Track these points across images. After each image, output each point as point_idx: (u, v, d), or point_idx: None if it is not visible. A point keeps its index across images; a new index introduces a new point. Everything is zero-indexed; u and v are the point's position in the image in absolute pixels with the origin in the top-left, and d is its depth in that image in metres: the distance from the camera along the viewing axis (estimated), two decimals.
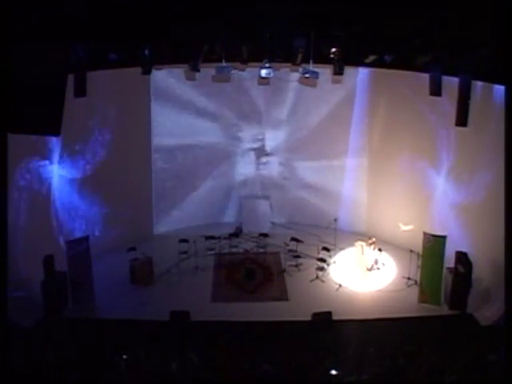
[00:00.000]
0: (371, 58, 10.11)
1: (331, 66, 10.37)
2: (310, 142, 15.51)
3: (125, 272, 12.57)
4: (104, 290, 11.86)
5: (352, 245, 13.39)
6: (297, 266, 13.27)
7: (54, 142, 11.92)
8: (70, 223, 12.92)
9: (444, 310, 11.26)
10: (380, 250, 13.05)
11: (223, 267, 13.52)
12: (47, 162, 12.06)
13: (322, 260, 12.95)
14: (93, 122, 13.21)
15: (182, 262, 13.24)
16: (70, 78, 10.13)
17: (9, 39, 6.68)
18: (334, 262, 13.42)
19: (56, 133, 8.31)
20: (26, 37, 7.10)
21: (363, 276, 12.76)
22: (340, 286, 12.43)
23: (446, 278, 11.31)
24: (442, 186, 13.01)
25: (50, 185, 12.24)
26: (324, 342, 9.53)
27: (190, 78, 13.86)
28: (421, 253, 11.68)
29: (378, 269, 13.05)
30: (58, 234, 12.11)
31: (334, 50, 9.78)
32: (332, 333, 10.12)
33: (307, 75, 10.61)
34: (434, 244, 11.36)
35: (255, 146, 15.94)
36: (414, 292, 11.79)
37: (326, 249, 13.23)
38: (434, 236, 11.43)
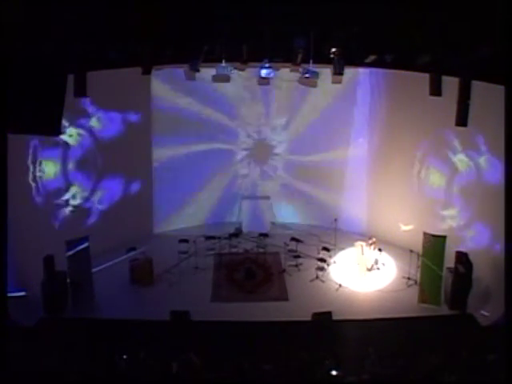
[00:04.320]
0: (371, 58, 10.09)
1: (331, 66, 10.36)
2: (311, 143, 15.54)
3: (125, 272, 12.58)
4: (104, 290, 11.87)
5: (352, 245, 13.40)
6: (297, 265, 13.28)
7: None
8: (70, 223, 12.95)
9: (444, 310, 11.25)
10: (380, 250, 13.05)
11: (223, 267, 13.52)
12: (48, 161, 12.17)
13: (322, 260, 12.95)
14: (93, 121, 13.26)
15: (182, 262, 13.25)
16: (70, 78, 10.15)
17: (8, 39, 6.68)
18: (334, 262, 13.43)
19: (56, 133, 8.29)
20: (26, 36, 7.10)
21: (363, 276, 12.77)
22: (340, 285, 12.43)
23: (446, 278, 11.32)
24: (442, 185, 13.04)
25: (50, 184, 12.29)
26: (324, 342, 9.53)
27: (190, 78, 13.86)
28: (421, 253, 11.68)
29: (378, 269, 13.06)
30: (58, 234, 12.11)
31: (333, 50, 9.77)
32: (332, 333, 10.12)
33: (307, 75, 10.61)
34: (434, 244, 11.35)
35: (256, 145, 15.97)
36: (414, 292, 11.78)
37: (325, 249, 13.24)
38: (434, 236, 11.44)
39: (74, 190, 13.09)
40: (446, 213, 12.93)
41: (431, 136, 13.02)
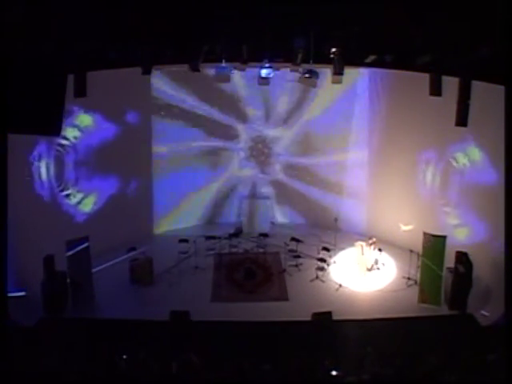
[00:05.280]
0: (371, 58, 10.08)
1: (331, 66, 10.36)
2: (311, 143, 15.55)
3: (125, 272, 12.58)
4: (104, 290, 11.87)
5: (352, 245, 13.40)
6: (297, 265, 13.28)
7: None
8: (70, 223, 12.95)
9: (444, 310, 11.25)
10: (380, 250, 13.05)
11: (223, 267, 13.52)
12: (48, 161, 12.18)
13: (322, 260, 12.95)
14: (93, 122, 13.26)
15: (181, 262, 13.24)
16: (70, 78, 10.15)
17: (9, 39, 6.68)
18: (334, 262, 13.43)
19: (56, 133, 8.29)
20: (26, 37, 7.10)
21: (363, 276, 12.77)
22: (340, 285, 12.43)
23: (446, 278, 11.32)
24: (442, 185, 13.05)
25: (50, 183, 12.30)
26: (324, 342, 9.53)
27: (190, 78, 13.86)
28: (421, 253, 11.68)
29: (378, 269, 13.06)
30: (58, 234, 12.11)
31: (333, 50, 9.77)
32: (332, 333, 10.12)
33: (307, 75, 10.62)
34: (434, 244, 11.35)
35: (255, 146, 15.98)
36: (414, 292, 11.78)
37: (325, 249, 13.24)
38: (434, 236, 11.44)
39: (73, 190, 13.09)
40: (446, 213, 12.92)
41: (431, 136, 13.01)
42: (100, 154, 13.42)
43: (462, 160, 12.39)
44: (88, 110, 12.85)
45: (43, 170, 12.10)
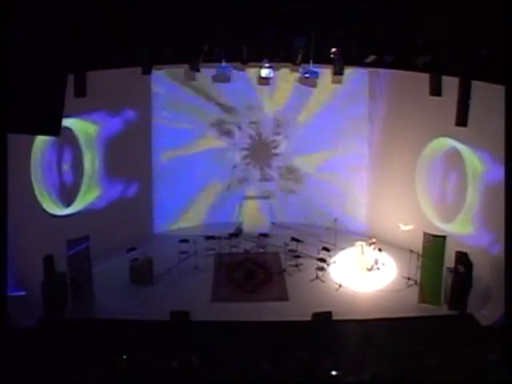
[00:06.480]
0: (371, 58, 10.09)
1: (331, 66, 10.36)
2: (311, 142, 15.54)
3: (125, 272, 12.58)
4: (104, 290, 11.86)
5: (352, 245, 13.40)
6: (297, 265, 13.28)
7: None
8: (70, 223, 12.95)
9: (444, 310, 11.25)
10: (380, 249, 13.05)
11: (223, 267, 13.52)
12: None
13: (322, 260, 12.95)
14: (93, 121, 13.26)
15: (181, 262, 13.25)
16: (70, 78, 10.14)
17: (9, 39, 6.68)
18: (334, 262, 13.42)
19: (56, 133, 8.28)
20: (26, 36, 7.10)
21: (363, 276, 12.77)
22: (340, 285, 12.43)
23: (446, 278, 11.32)
24: (442, 185, 13.05)
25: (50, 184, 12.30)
26: (324, 342, 9.53)
27: (189, 78, 13.86)
28: (421, 253, 11.68)
29: (378, 269, 13.05)
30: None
31: (333, 49, 9.77)
32: (332, 333, 10.12)
33: (307, 75, 10.63)
34: (434, 244, 11.36)
35: (256, 145, 15.98)
36: (414, 292, 11.79)
37: (325, 249, 13.23)
38: (434, 236, 11.45)
39: (73, 190, 13.09)
40: (446, 212, 12.92)
41: (431, 136, 13.02)
42: (100, 155, 13.41)
43: (461, 160, 12.38)
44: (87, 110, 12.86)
45: (43, 170, 12.10)
